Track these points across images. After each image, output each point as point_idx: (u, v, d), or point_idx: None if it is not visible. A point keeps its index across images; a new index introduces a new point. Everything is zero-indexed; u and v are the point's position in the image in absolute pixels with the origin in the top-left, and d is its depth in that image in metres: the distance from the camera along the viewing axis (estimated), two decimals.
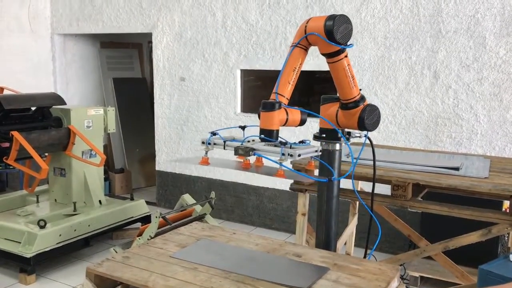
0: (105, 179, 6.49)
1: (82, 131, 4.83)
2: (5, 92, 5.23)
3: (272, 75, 5.67)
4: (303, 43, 2.32)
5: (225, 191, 5.95)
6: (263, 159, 2.24)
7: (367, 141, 2.54)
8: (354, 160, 2.59)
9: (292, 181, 3.23)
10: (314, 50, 2.38)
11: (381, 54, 4.82)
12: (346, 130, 2.58)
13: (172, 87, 6.20)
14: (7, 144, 4.38)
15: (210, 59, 5.86)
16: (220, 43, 5.75)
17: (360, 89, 2.48)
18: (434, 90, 4.63)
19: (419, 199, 3.03)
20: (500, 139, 4.40)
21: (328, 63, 2.39)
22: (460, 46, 4.48)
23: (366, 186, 3.71)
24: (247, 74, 5.84)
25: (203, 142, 2.30)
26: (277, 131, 2.20)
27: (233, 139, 2.26)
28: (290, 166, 2.63)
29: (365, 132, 2.51)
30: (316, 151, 2.21)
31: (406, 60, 4.72)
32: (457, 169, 2.98)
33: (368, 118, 2.44)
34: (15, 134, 4.25)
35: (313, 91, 5.87)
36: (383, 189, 2.97)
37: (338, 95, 2.53)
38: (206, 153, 2.30)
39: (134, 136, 7.45)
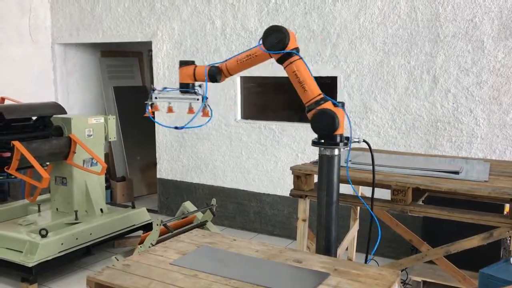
0: (107, 188, 6.52)
1: (83, 140, 4.84)
2: (6, 102, 5.26)
3: (272, 81, 5.68)
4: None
5: (226, 198, 5.95)
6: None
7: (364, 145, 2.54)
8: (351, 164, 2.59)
9: (292, 187, 3.25)
10: None
11: (380, 59, 4.83)
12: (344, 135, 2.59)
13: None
14: (8, 154, 4.40)
15: None
16: (219, 50, 5.77)
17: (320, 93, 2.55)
18: (433, 94, 4.63)
19: (420, 203, 3.02)
20: (501, 142, 4.40)
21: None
22: (459, 50, 4.49)
23: (366, 191, 3.71)
24: (247, 81, 5.85)
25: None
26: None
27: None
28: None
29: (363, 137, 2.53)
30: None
31: (405, 65, 4.73)
32: (456, 173, 2.98)
33: (316, 121, 2.51)
34: (16, 143, 4.27)
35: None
36: (383, 193, 2.97)
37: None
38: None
39: (135, 144, 7.46)
